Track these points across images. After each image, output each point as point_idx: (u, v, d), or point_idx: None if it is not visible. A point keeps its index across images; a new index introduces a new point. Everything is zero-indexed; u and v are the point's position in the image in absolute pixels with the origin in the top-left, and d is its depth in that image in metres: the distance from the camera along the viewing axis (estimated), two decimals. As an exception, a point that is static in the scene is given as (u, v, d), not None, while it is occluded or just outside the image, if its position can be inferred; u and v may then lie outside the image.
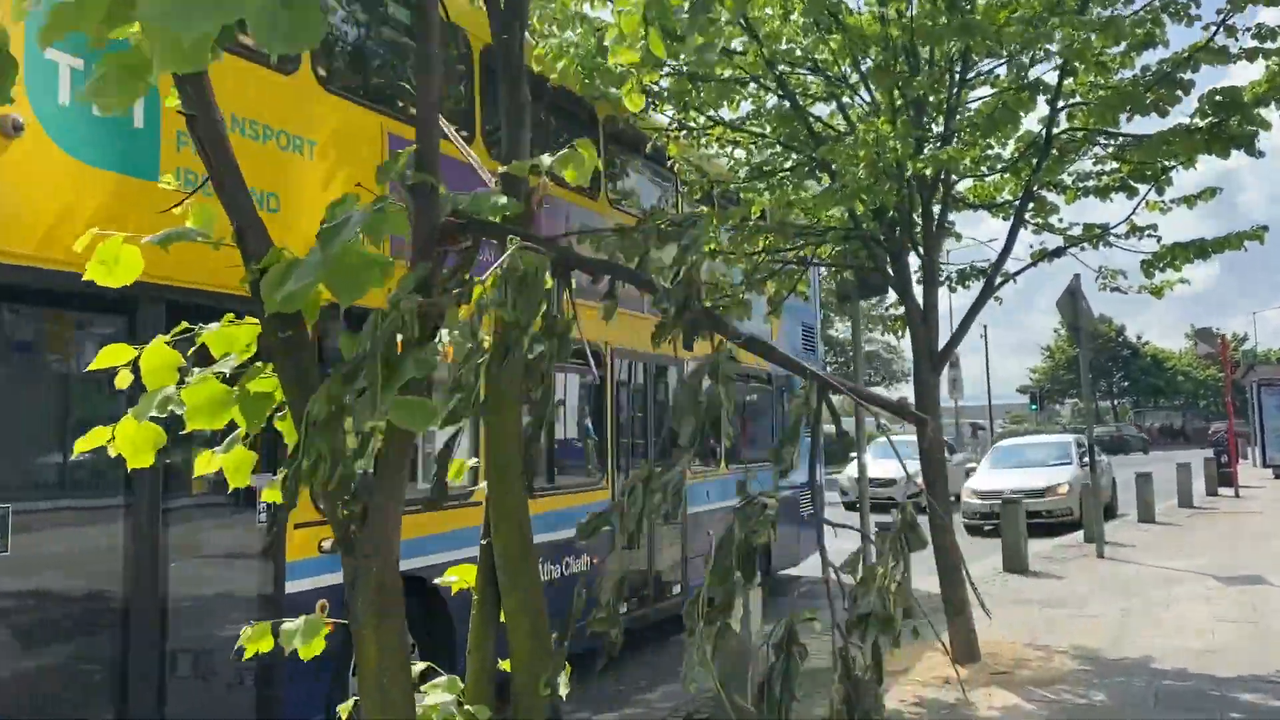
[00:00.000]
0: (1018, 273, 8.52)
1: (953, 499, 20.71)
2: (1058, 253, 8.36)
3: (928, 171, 7.09)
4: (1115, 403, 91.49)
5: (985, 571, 12.99)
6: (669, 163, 9.56)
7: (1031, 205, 8.20)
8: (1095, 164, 8.83)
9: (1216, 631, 8.82)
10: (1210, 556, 13.56)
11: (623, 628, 2.38)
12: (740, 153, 9.37)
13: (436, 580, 4.01)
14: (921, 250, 8.13)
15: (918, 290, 8.19)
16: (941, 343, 8.33)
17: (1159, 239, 7.98)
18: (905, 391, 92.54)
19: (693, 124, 8.89)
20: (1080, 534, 16.32)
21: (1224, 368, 25.42)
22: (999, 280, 8.36)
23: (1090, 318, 14.50)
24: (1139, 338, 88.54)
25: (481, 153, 7.42)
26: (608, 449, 8.80)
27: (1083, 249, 8.41)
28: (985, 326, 67.98)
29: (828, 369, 57.81)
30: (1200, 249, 7.62)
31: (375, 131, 6.40)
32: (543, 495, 8.00)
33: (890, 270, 8.25)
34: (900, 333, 8.64)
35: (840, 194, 6.79)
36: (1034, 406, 68.21)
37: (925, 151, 6.58)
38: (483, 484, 2.98)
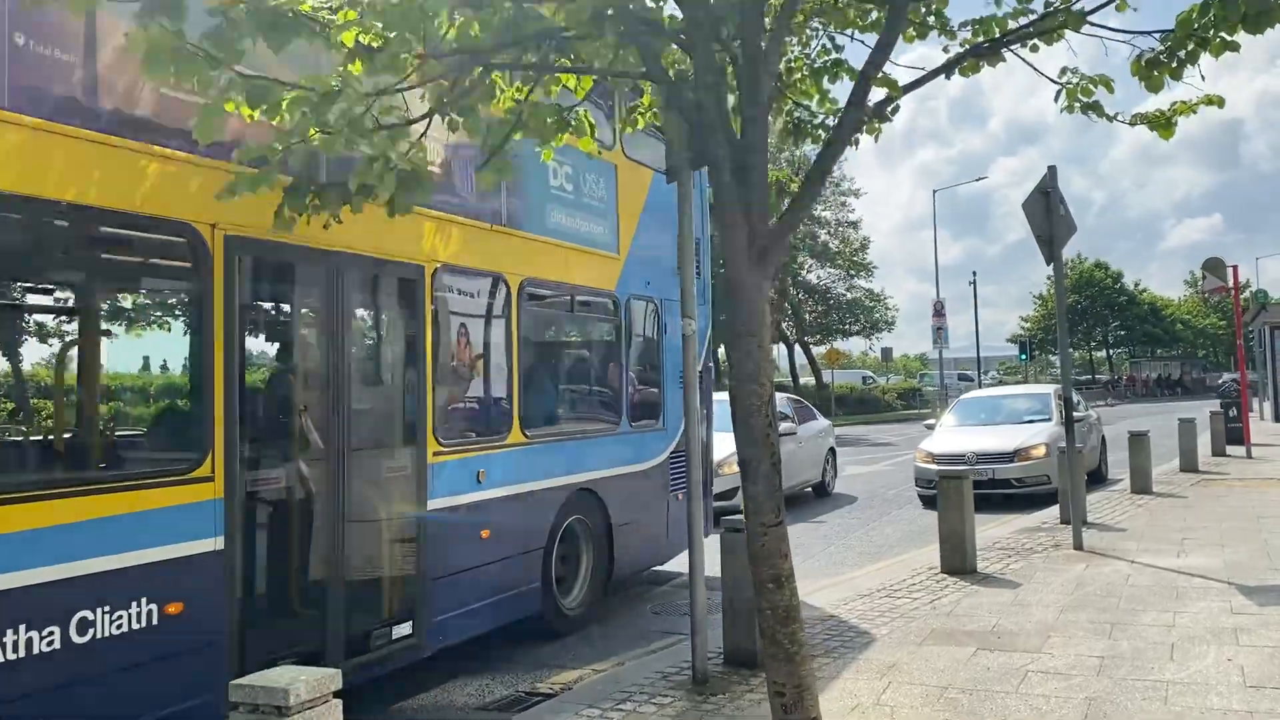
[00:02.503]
0: (912, 86, 4.76)
1: (808, 488, 16.36)
2: (993, 47, 4.62)
3: None
4: (1110, 352, 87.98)
5: (916, 572, 9.38)
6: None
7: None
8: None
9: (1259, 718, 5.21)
10: (1227, 549, 9.95)
11: None
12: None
13: None
14: (737, 54, 4.41)
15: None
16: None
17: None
18: (889, 342, 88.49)
19: None
20: (1057, 509, 12.67)
21: (1234, 306, 21.73)
22: (879, 101, 4.63)
23: (1068, 227, 10.77)
24: (1136, 285, 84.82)
25: None
26: (214, 412, 5.11)
27: (1034, 48, 4.69)
28: (975, 273, 64.45)
29: (805, 319, 54.16)
30: (1258, 8, 3.86)
31: None
32: (44, 495, 4.35)
33: (681, 91, 4.52)
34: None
35: None
36: (1024, 357, 64.76)
37: None
38: None
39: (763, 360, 4.46)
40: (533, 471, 7.68)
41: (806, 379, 58.36)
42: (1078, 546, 10.28)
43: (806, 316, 54.39)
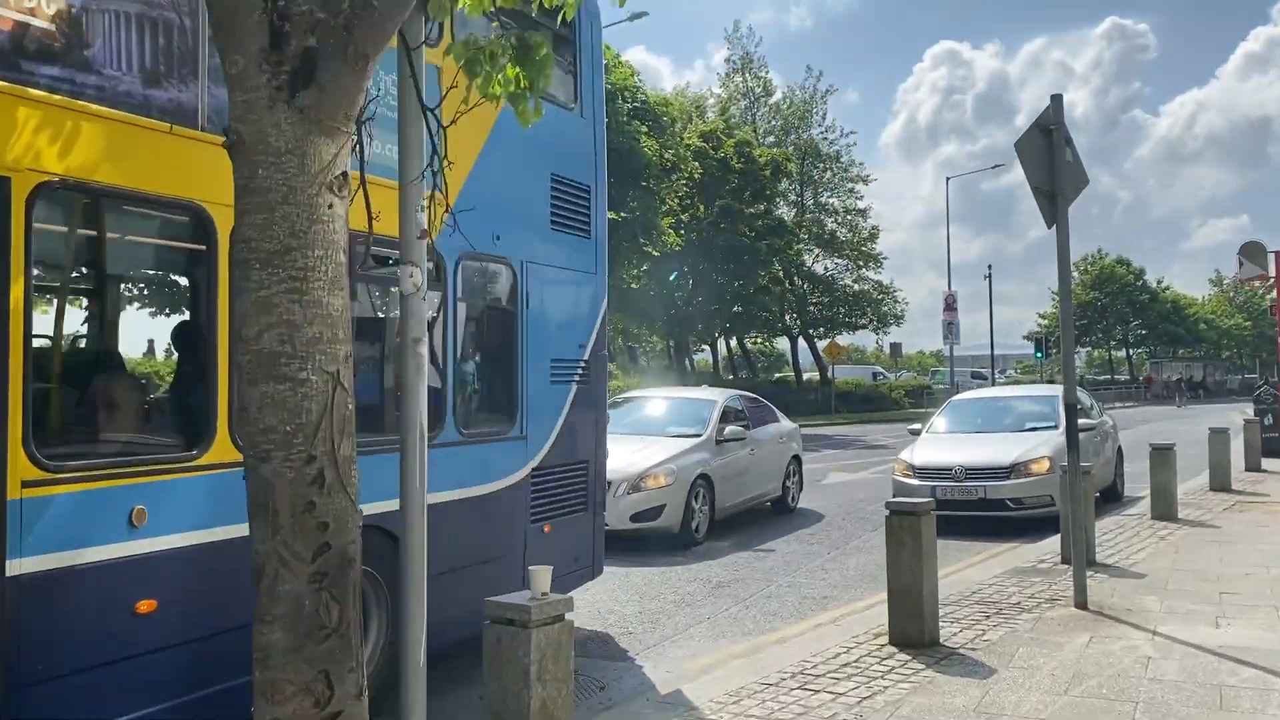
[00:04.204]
0: None
1: (766, 502, 11.56)
2: None
3: None
4: (1130, 352, 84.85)
5: (856, 641, 6.81)
6: None
7: None
8: None
9: None
10: (1284, 613, 7.35)
11: None
12: None
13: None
14: None
15: None
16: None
17: None
18: (902, 337, 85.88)
19: None
20: (1060, 540, 10.02)
21: (1278, 294, 19.01)
22: None
23: (1077, 178, 8.14)
24: (1159, 282, 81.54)
25: None
26: None
27: None
28: (990, 266, 61.75)
29: (809, 307, 51.27)
30: None
31: None
32: None
33: None
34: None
35: None
36: (1039, 354, 61.88)
37: None
38: None
39: (312, 320, 1.93)
40: (234, 506, 5.11)
41: (811, 374, 55.65)
42: (1080, 603, 7.67)
43: (811, 308, 51.59)
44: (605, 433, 8.37)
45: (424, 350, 3.67)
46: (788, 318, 51.14)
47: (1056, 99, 7.95)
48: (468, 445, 6.70)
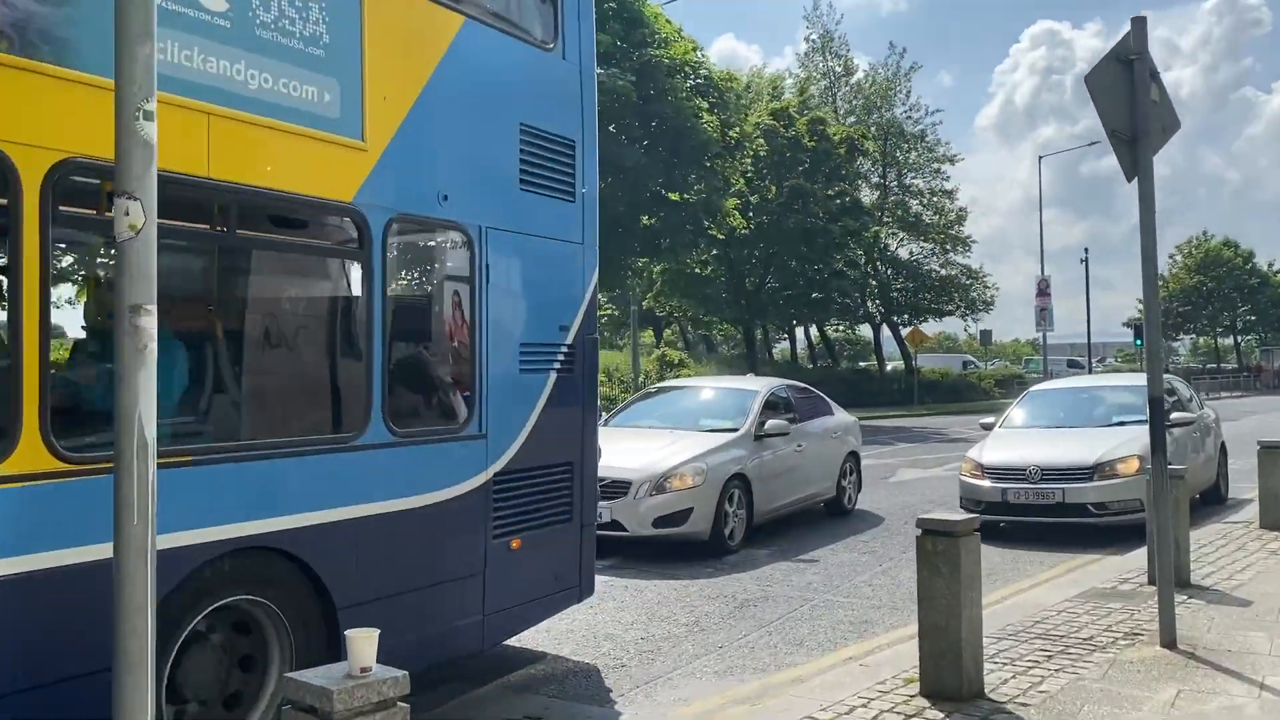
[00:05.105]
0: None
1: (819, 503, 12.06)
2: None
3: None
4: (1239, 339, 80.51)
5: (880, 689, 5.50)
6: None
7: None
8: None
9: None
10: None
11: None
12: None
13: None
14: None
15: None
16: None
17: None
18: (992, 324, 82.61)
19: None
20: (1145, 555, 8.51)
21: None
22: None
23: (1165, 119, 6.66)
24: (1270, 266, 77.04)
25: None
26: None
27: None
28: (1086, 250, 58.81)
29: (892, 293, 49.16)
30: None
31: None
32: None
33: None
34: None
35: None
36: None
37: None
38: None
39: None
40: (70, 526, 4.04)
41: (897, 363, 53.66)
42: (1168, 642, 6.22)
43: (894, 294, 49.52)
44: (595, 429, 7.16)
45: (148, 324, 2.50)
46: (869, 304, 49.17)
47: (1138, 22, 6.46)
48: (403, 447, 5.55)
